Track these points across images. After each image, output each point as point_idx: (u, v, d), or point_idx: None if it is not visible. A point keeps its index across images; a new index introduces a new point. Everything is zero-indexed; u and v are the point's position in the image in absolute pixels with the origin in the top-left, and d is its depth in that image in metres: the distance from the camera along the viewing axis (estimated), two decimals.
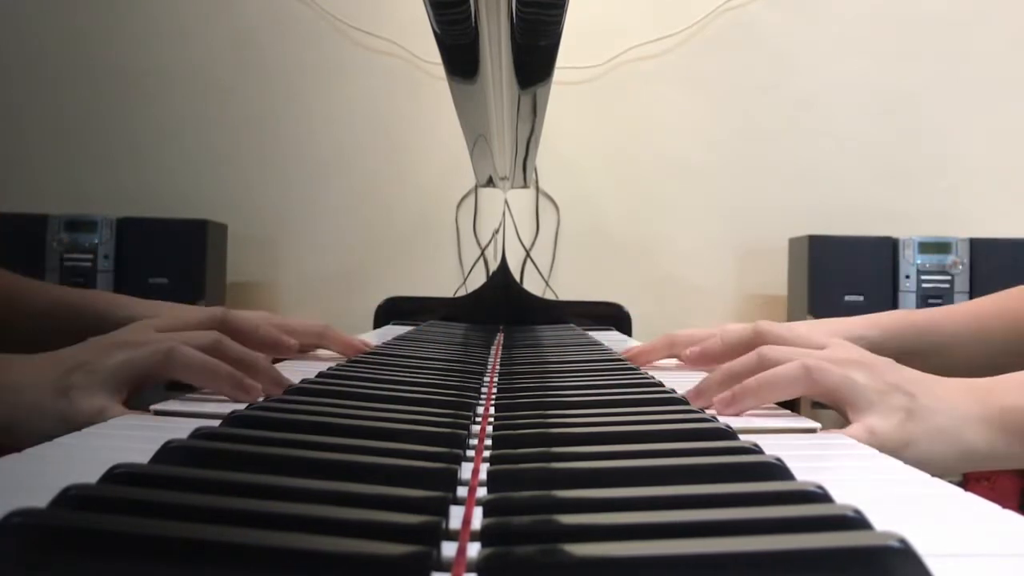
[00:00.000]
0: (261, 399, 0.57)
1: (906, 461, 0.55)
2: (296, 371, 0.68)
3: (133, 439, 0.45)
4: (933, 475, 0.57)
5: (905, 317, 0.86)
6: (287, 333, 0.81)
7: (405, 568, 0.25)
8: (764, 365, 0.61)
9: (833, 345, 0.65)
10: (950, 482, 0.39)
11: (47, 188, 2.62)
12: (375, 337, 1.14)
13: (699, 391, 0.62)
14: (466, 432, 0.45)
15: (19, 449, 0.41)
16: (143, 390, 0.60)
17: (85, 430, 0.46)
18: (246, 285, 2.63)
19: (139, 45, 2.64)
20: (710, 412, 0.56)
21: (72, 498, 0.28)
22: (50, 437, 0.53)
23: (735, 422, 0.52)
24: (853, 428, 0.58)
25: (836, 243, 2.36)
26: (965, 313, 0.86)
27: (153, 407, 0.55)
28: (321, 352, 0.91)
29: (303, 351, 0.87)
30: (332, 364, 0.71)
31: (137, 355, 0.60)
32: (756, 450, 0.39)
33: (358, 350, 0.87)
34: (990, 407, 0.60)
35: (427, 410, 0.50)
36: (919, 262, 2.33)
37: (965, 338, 0.84)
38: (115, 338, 0.62)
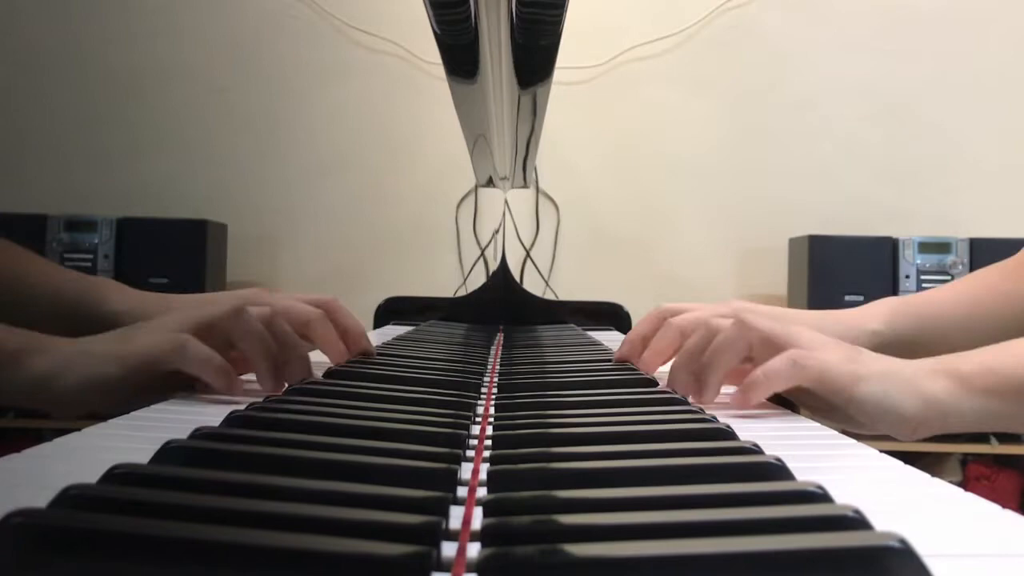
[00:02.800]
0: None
1: (863, 403, 0.58)
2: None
3: (133, 439, 0.45)
4: (899, 423, 0.59)
5: (905, 307, 0.86)
6: (284, 316, 0.79)
7: (405, 568, 0.25)
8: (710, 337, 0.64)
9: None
10: (950, 482, 0.39)
11: (47, 188, 2.62)
12: (375, 337, 1.14)
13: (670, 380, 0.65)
14: (466, 432, 0.45)
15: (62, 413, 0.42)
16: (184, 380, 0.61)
17: (85, 430, 0.46)
18: (246, 285, 2.63)
19: (139, 45, 2.64)
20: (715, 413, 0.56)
21: (72, 498, 0.28)
22: (105, 381, 0.57)
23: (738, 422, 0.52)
24: (800, 352, 0.59)
25: (836, 243, 2.36)
26: (958, 299, 0.86)
27: (153, 407, 0.55)
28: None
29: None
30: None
31: (204, 312, 0.63)
32: (756, 450, 0.39)
33: (341, 358, 0.78)
34: (946, 364, 0.61)
35: (427, 410, 0.50)
36: (919, 262, 2.33)
37: (962, 322, 0.85)
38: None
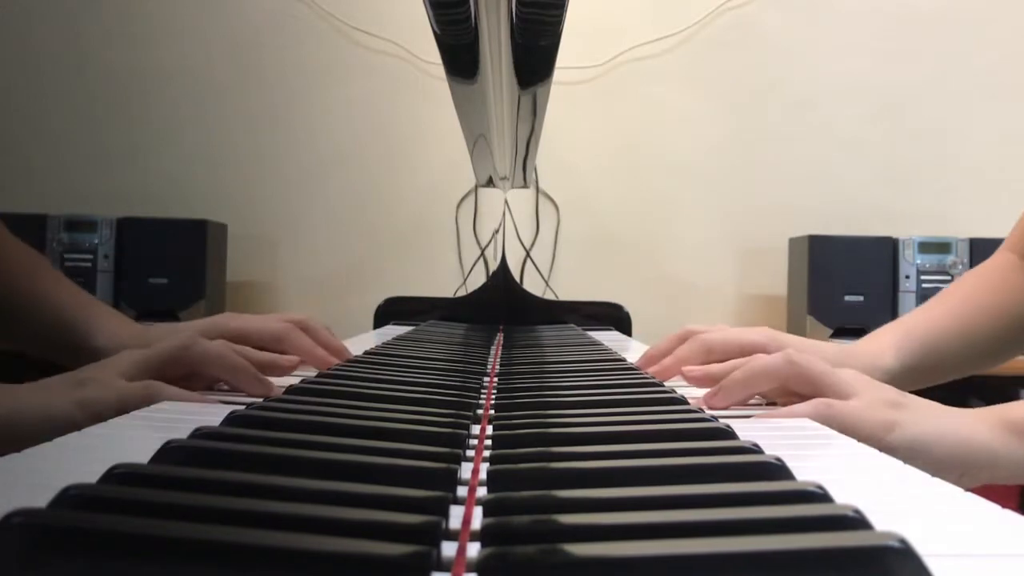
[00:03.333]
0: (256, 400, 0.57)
1: (892, 450, 0.57)
2: (295, 372, 0.68)
3: (133, 439, 0.45)
4: (936, 470, 0.58)
5: (908, 337, 0.86)
6: (242, 339, 0.77)
7: (405, 568, 0.25)
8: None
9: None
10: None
11: (47, 188, 2.62)
12: (375, 337, 1.14)
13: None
14: (466, 432, 0.45)
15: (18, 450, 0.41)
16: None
17: (85, 430, 0.46)
18: (246, 285, 2.63)
19: (138, 45, 2.64)
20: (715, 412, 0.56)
21: (72, 498, 0.28)
22: (64, 428, 0.55)
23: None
24: (829, 401, 0.59)
25: (836, 243, 2.36)
26: (953, 321, 0.88)
27: (153, 406, 0.55)
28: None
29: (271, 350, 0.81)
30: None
31: (153, 352, 0.63)
32: (756, 450, 0.39)
33: (323, 363, 0.80)
34: (994, 411, 0.60)
35: (427, 410, 0.50)
36: (919, 262, 2.33)
37: (961, 344, 0.87)
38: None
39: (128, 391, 0.58)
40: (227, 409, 0.46)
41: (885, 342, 0.85)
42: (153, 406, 0.55)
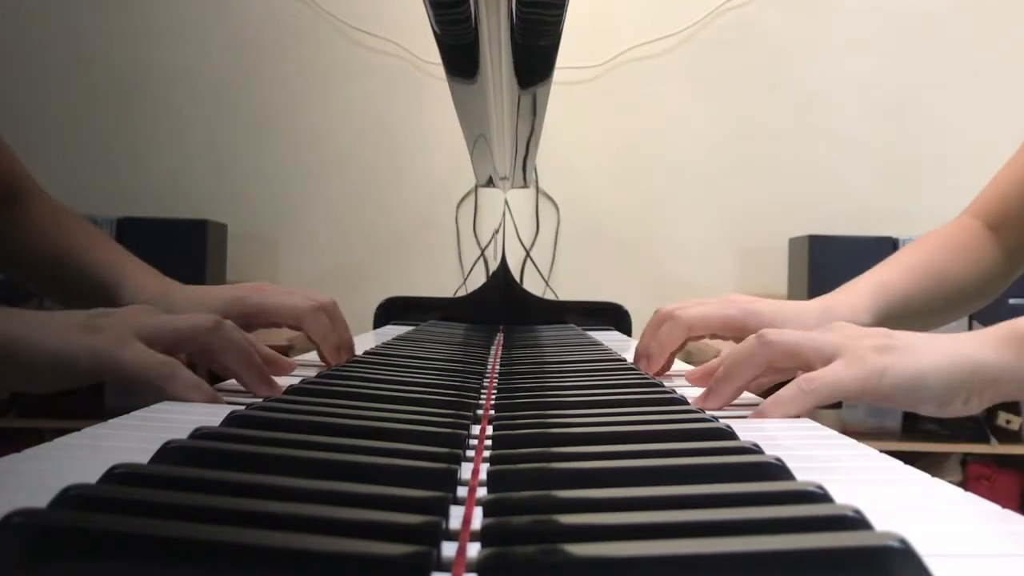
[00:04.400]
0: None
1: (889, 396, 0.57)
2: (295, 372, 0.68)
3: (133, 439, 0.45)
4: (941, 399, 0.57)
5: (882, 293, 0.87)
6: (260, 315, 0.80)
7: (405, 568, 0.25)
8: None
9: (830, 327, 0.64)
10: (950, 482, 0.39)
11: (47, 188, 2.61)
12: (375, 337, 1.14)
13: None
14: (466, 432, 0.45)
15: (44, 393, 0.41)
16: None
17: (85, 430, 0.46)
18: None
19: (139, 45, 2.64)
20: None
21: (72, 498, 0.28)
22: (78, 378, 0.57)
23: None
24: (808, 376, 0.58)
25: (836, 243, 2.36)
26: (915, 278, 0.91)
27: (153, 406, 0.55)
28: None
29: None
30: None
31: (177, 323, 0.61)
32: (756, 450, 0.39)
33: (333, 354, 0.82)
34: (987, 331, 0.59)
35: (427, 410, 0.50)
36: None
37: (927, 300, 0.90)
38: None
39: (144, 362, 0.57)
40: (227, 409, 0.46)
41: (862, 295, 0.86)
42: (153, 406, 0.55)
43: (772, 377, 0.68)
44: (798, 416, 0.58)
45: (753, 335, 0.62)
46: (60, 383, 0.58)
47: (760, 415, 0.59)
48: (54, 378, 0.57)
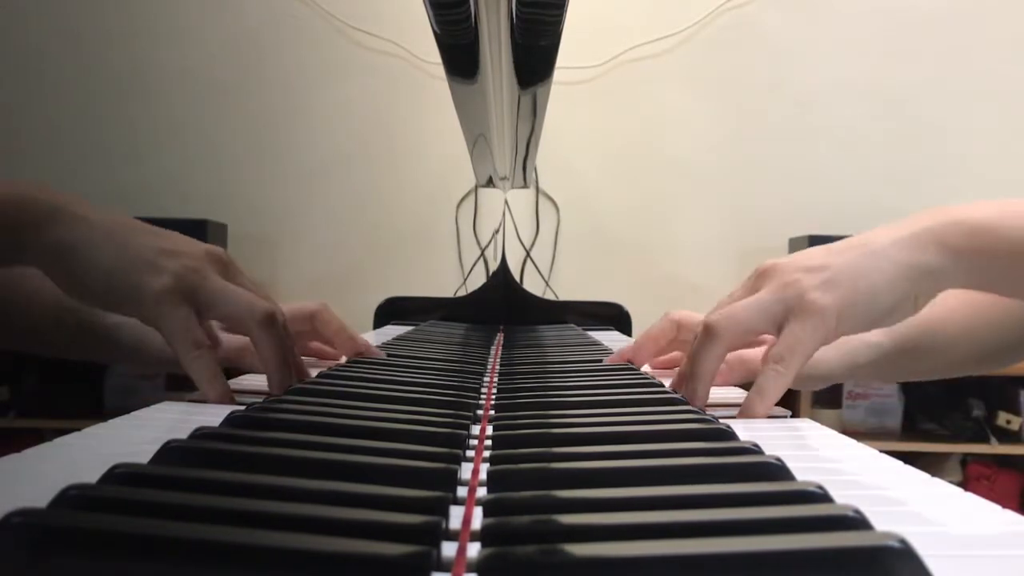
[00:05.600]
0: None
1: (846, 334, 0.57)
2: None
3: (133, 439, 0.45)
4: (889, 314, 0.57)
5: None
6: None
7: (405, 568, 0.25)
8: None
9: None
10: (950, 482, 0.39)
11: None
12: (375, 337, 1.14)
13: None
14: (466, 432, 0.45)
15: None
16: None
17: (85, 430, 0.46)
18: None
19: (139, 45, 2.64)
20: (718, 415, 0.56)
21: (72, 498, 0.28)
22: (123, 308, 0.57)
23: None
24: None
25: None
26: (955, 305, 0.81)
27: (154, 407, 0.55)
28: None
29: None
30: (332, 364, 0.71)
31: (242, 302, 0.60)
32: (756, 450, 0.39)
33: (344, 347, 0.81)
34: (937, 220, 0.60)
35: (427, 410, 0.50)
36: None
37: (964, 331, 0.81)
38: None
39: (182, 331, 0.57)
40: (227, 409, 0.46)
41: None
42: (154, 406, 0.55)
43: (741, 374, 0.67)
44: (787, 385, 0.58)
45: (700, 328, 0.61)
46: (108, 306, 0.58)
47: (748, 413, 0.58)
48: (103, 302, 0.57)
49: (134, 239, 0.58)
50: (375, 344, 0.84)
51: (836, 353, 0.73)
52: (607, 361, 0.80)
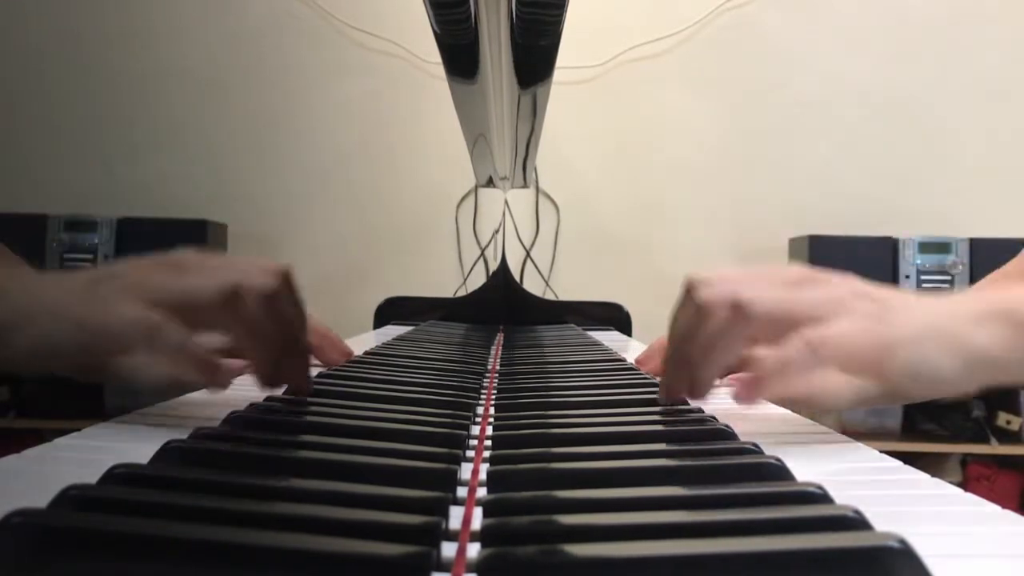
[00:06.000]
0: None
1: (895, 375, 0.48)
2: None
3: (133, 439, 0.45)
4: (940, 387, 0.48)
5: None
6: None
7: (405, 568, 0.25)
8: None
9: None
10: (950, 482, 0.39)
11: (47, 188, 2.62)
12: (375, 337, 1.14)
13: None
14: (466, 432, 0.45)
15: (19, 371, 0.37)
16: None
17: (85, 430, 0.46)
18: None
19: (139, 45, 2.64)
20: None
21: (72, 498, 0.28)
22: (60, 348, 0.47)
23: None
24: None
25: (836, 243, 2.36)
26: None
27: (155, 407, 0.55)
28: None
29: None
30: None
31: (196, 283, 0.49)
32: (756, 450, 0.39)
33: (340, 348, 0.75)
34: (996, 304, 0.51)
35: (427, 410, 0.50)
36: (919, 262, 2.33)
37: None
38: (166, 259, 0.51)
39: (129, 319, 0.47)
40: (227, 409, 0.46)
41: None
42: (153, 406, 0.55)
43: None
44: (811, 389, 0.49)
45: (726, 305, 0.50)
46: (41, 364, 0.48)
47: (754, 390, 0.49)
48: (47, 364, 0.48)
49: (55, 312, 0.48)
50: (375, 344, 0.84)
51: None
52: (635, 361, 0.78)
